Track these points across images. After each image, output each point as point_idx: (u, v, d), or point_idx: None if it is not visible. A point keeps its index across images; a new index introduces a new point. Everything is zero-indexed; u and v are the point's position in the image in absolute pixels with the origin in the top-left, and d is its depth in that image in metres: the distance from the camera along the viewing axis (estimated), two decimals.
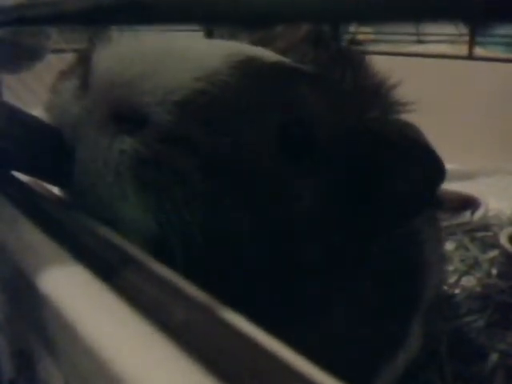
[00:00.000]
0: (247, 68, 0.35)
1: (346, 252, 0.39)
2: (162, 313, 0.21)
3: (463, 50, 1.42)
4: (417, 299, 0.49)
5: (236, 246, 0.34)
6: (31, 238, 0.29)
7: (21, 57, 0.79)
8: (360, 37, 1.74)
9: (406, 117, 0.44)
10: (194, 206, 0.32)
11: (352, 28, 1.80)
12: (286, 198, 0.36)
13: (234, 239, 0.34)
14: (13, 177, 0.41)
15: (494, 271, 0.83)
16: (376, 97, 0.45)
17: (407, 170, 0.38)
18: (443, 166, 0.38)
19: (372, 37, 1.68)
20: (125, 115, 0.32)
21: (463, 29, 1.53)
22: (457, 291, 0.79)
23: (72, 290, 0.24)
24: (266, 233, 0.35)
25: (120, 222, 0.33)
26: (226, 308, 0.20)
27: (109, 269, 0.24)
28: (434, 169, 0.38)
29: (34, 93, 1.68)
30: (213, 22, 0.18)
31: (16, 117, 0.40)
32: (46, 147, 0.40)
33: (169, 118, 0.32)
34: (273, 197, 0.35)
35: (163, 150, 0.32)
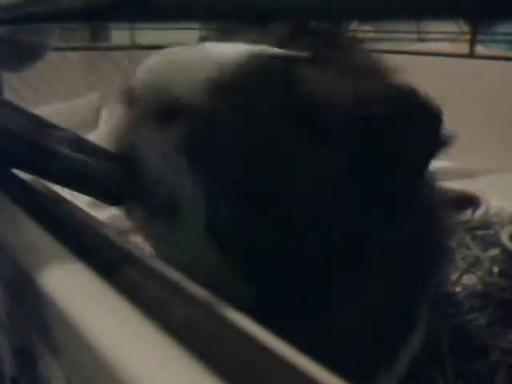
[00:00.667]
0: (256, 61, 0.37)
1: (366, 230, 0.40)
2: (164, 311, 0.21)
3: (464, 48, 1.42)
4: (424, 290, 0.51)
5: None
6: (32, 236, 0.29)
7: (22, 55, 0.79)
8: (361, 35, 1.74)
9: None
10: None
11: (353, 26, 1.80)
12: (311, 175, 0.38)
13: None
14: (13, 175, 0.41)
15: (495, 269, 0.83)
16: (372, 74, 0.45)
17: (408, 125, 0.39)
18: (440, 112, 0.40)
19: (373, 35, 1.68)
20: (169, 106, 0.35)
21: (464, 27, 1.53)
22: (458, 289, 0.78)
23: (73, 288, 0.24)
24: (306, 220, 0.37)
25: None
26: (228, 306, 0.20)
27: (110, 267, 0.24)
28: (432, 116, 0.40)
29: (36, 91, 1.68)
30: (212, 19, 0.18)
31: (16, 115, 0.40)
32: (47, 145, 0.40)
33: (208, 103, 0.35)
34: (301, 178, 0.37)
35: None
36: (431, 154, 0.42)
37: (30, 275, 0.26)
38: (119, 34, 2.00)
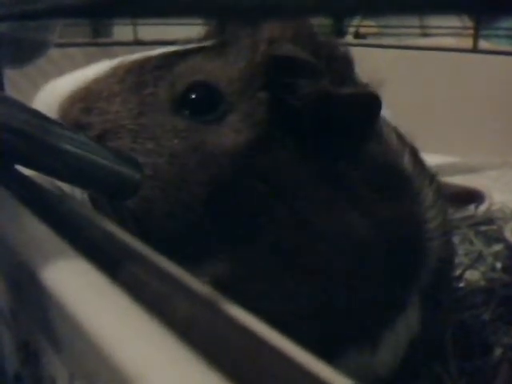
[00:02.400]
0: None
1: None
2: (166, 307, 0.21)
3: (467, 43, 1.42)
4: (416, 268, 0.52)
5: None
6: (35, 231, 0.29)
7: (23, 51, 0.79)
8: (364, 30, 1.74)
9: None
10: None
11: (356, 21, 1.80)
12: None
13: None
14: (15, 170, 0.41)
15: (499, 265, 0.83)
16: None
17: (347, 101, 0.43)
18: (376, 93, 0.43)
19: (376, 30, 1.67)
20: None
21: (467, 22, 1.52)
22: (461, 285, 0.78)
23: (76, 284, 0.24)
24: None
25: None
26: (230, 302, 0.20)
27: (112, 262, 0.24)
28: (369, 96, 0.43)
29: (37, 87, 1.68)
30: (212, 15, 0.18)
31: (19, 111, 0.40)
32: (49, 142, 0.40)
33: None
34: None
35: None
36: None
37: (32, 271, 0.26)
38: (121, 30, 2.00)
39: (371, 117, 0.45)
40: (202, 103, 0.44)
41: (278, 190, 0.43)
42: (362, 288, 0.47)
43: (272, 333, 0.19)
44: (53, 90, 0.47)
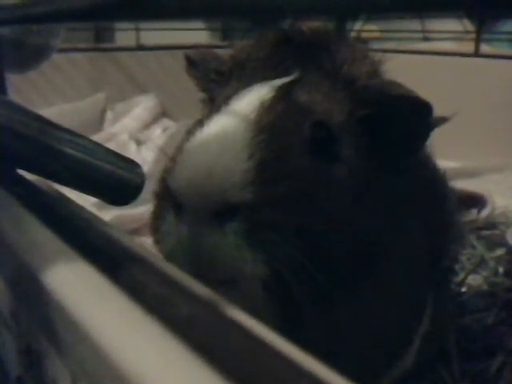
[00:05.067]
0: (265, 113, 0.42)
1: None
2: (167, 309, 0.21)
3: (469, 47, 1.42)
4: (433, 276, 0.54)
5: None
6: (37, 235, 0.29)
7: (27, 56, 0.79)
8: (365, 34, 1.74)
9: None
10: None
11: (358, 26, 1.80)
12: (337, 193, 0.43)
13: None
14: (19, 175, 0.41)
15: (501, 269, 0.83)
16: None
17: (403, 114, 0.45)
18: (426, 101, 0.44)
19: (378, 34, 1.67)
20: (219, 210, 0.39)
21: (469, 26, 1.53)
22: (463, 289, 0.78)
23: (77, 287, 0.24)
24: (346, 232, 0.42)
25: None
26: (230, 304, 0.20)
27: (114, 266, 0.24)
28: (421, 104, 0.44)
29: (41, 92, 1.69)
30: (214, 16, 0.18)
31: (21, 115, 0.40)
32: (52, 146, 0.40)
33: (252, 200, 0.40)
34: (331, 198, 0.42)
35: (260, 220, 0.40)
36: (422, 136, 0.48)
37: (34, 274, 0.26)
38: (124, 35, 2.00)
39: (427, 122, 0.46)
40: (323, 143, 0.43)
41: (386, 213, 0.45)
42: (415, 297, 0.50)
43: (274, 335, 0.19)
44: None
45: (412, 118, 0.45)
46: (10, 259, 0.31)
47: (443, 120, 0.49)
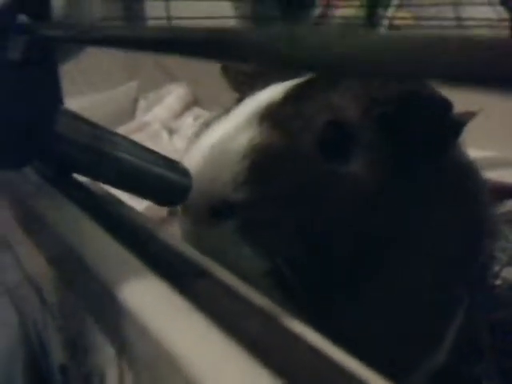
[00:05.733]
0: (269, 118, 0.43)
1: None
2: (237, 324, 0.23)
3: (503, 34, 1.40)
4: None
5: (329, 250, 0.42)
6: (103, 244, 0.31)
7: (66, 49, 0.80)
8: (398, 21, 1.72)
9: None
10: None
11: (390, 13, 1.78)
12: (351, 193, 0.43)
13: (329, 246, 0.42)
14: (75, 180, 0.43)
15: None
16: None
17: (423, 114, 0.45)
18: (445, 99, 0.44)
19: (411, 22, 1.66)
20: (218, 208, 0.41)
21: (503, 13, 1.50)
22: (498, 283, 0.78)
23: (149, 299, 0.25)
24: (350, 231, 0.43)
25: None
26: (299, 321, 0.22)
27: (183, 280, 0.26)
28: (440, 103, 0.44)
29: (73, 81, 1.71)
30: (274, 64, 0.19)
31: (76, 122, 0.42)
32: (105, 151, 0.42)
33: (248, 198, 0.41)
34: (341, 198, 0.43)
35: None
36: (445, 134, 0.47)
37: (106, 287, 0.27)
38: (153, 7, 1.96)
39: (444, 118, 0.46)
40: (335, 141, 0.43)
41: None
42: (447, 292, 0.50)
43: (343, 355, 0.20)
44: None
45: (429, 116, 0.45)
46: (83, 271, 0.33)
47: (471, 115, 0.48)
